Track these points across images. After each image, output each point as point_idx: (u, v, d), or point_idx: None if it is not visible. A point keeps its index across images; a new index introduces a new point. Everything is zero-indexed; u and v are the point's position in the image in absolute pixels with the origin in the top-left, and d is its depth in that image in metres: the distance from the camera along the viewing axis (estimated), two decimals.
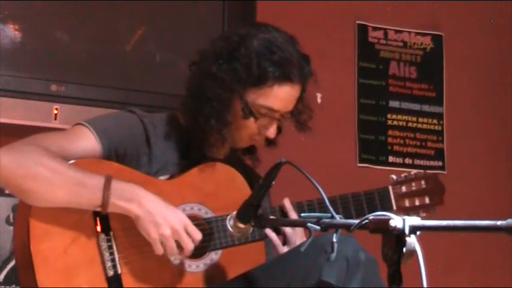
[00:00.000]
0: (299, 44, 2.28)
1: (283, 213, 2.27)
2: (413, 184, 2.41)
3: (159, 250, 2.05)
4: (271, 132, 2.26)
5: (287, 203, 2.28)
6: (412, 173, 2.43)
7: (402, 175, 2.42)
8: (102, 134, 2.17)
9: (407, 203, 2.39)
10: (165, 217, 2.04)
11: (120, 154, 2.18)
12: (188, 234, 2.07)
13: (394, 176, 2.41)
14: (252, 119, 2.23)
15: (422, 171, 2.47)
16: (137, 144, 2.22)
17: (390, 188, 2.39)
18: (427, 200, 2.42)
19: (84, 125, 2.19)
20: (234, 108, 2.22)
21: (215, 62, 2.22)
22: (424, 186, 2.42)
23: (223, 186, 2.25)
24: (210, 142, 2.27)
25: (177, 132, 2.30)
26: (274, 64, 2.18)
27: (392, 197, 2.38)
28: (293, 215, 2.26)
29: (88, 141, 2.16)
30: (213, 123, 2.21)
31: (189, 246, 2.07)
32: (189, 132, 2.29)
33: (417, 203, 2.41)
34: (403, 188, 2.40)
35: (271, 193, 2.43)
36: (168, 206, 2.07)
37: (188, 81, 2.31)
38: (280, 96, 2.21)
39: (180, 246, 2.07)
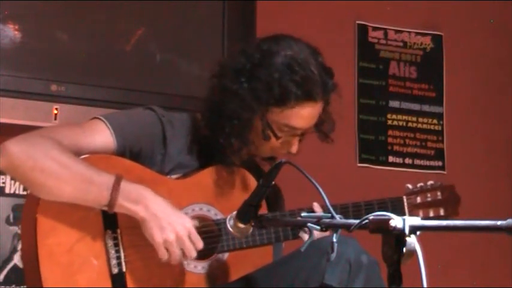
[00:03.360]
0: (321, 55, 2.24)
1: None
2: (428, 195, 2.37)
3: (162, 254, 2.04)
4: (294, 148, 2.24)
5: (317, 207, 2.25)
6: (428, 183, 2.39)
7: (418, 185, 2.38)
8: (118, 130, 2.15)
9: (421, 214, 2.35)
10: (170, 222, 2.03)
11: (134, 151, 2.17)
12: (191, 241, 2.06)
13: (409, 186, 2.38)
14: (273, 138, 2.21)
15: (438, 182, 2.42)
16: (153, 143, 2.20)
17: (404, 198, 2.35)
18: (441, 212, 2.38)
19: (100, 120, 2.17)
20: (255, 127, 2.19)
21: (236, 80, 2.18)
22: (439, 197, 2.39)
23: (235, 188, 2.23)
24: (227, 150, 2.23)
25: (195, 133, 2.28)
26: (296, 84, 2.14)
27: (406, 207, 2.35)
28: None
29: (103, 137, 2.14)
30: (233, 142, 2.19)
31: (192, 253, 2.06)
32: (207, 136, 2.26)
33: (431, 214, 2.37)
34: (418, 199, 2.36)
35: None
36: (174, 210, 2.06)
37: (208, 93, 2.27)
38: (303, 115, 2.18)
39: (182, 251, 2.06)
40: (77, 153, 2.07)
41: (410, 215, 2.34)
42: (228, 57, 2.30)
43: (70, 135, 2.11)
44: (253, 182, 2.26)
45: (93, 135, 2.14)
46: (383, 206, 2.32)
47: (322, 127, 2.30)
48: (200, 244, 2.07)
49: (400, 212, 2.33)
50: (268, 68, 2.15)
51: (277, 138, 2.21)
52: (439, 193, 2.39)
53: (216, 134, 2.21)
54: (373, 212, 2.24)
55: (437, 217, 2.38)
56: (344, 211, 2.26)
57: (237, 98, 2.17)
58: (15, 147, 2.02)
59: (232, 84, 2.18)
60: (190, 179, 2.21)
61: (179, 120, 2.28)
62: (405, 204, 2.35)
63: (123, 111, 2.32)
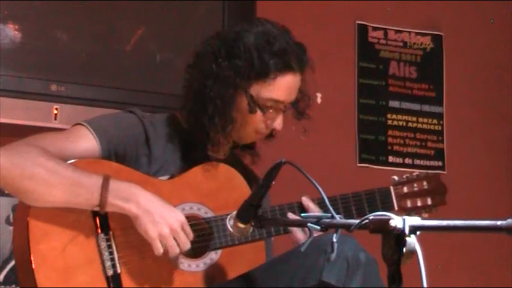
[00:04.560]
0: (292, 34, 2.28)
1: (303, 209, 2.26)
2: (415, 185, 2.40)
3: (158, 249, 2.05)
4: (279, 123, 2.27)
5: (306, 201, 2.27)
6: (414, 173, 2.43)
7: (404, 176, 2.41)
8: (101, 134, 2.16)
9: (409, 204, 2.39)
10: (163, 216, 2.04)
11: (119, 154, 2.18)
12: (185, 233, 2.07)
13: (395, 177, 2.41)
14: (258, 113, 2.23)
15: (424, 171, 2.46)
16: (137, 144, 2.21)
17: (392, 188, 2.38)
18: (429, 201, 2.41)
19: (83, 125, 2.19)
20: (239, 104, 2.22)
21: (214, 61, 2.22)
22: (426, 187, 2.42)
23: (223, 185, 2.25)
24: (212, 142, 2.25)
25: (177, 132, 2.30)
26: (274, 55, 2.19)
27: (393, 197, 2.37)
28: (314, 209, 2.25)
29: (87, 142, 2.16)
30: (217, 121, 2.20)
31: (186, 245, 2.07)
32: (190, 133, 2.29)
33: (419, 203, 2.40)
34: (405, 189, 2.39)
35: (271, 193, 2.44)
36: (166, 205, 2.08)
37: (187, 83, 2.30)
38: (284, 86, 2.22)
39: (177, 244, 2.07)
40: (63, 159, 2.09)
41: (399, 205, 2.37)
42: (200, 45, 2.31)
43: (55, 142, 2.13)
44: (239, 179, 2.28)
45: (77, 141, 2.16)
46: (371, 197, 2.35)
47: (298, 105, 2.32)
48: (191, 235, 2.08)
49: (389, 203, 2.36)
50: (245, 45, 2.20)
51: (263, 112, 2.23)
52: (425, 183, 2.42)
53: (198, 119, 2.23)
54: (361, 203, 2.31)
55: (425, 207, 2.40)
56: (333, 203, 2.26)
57: (217, 78, 2.20)
58: (1, 157, 2.03)
59: (211, 67, 2.21)
60: (178, 178, 2.23)
61: (160, 121, 2.30)
62: (393, 194, 2.37)
63: (104, 115, 2.34)
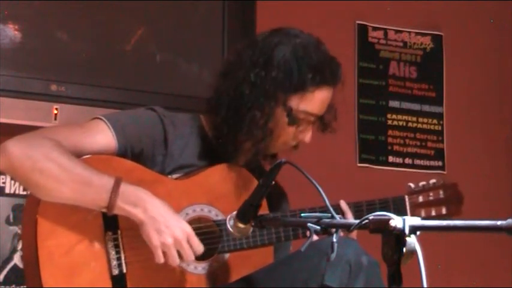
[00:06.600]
0: (326, 46, 2.27)
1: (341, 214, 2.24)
2: (431, 194, 2.36)
3: (159, 258, 2.02)
4: (309, 136, 2.25)
5: (343, 204, 2.25)
6: (431, 181, 2.38)
7: (420, 184, 2.38)
8: (119, 131, 2.14)
9: (423, 213, 2.34)
10: (168, 225, 2.01)
11: (135, 152, 2.16)
12: (190, 245, 2.04)
13: (411, 184, 2.37)
14: (292, 126, 2.21)
15: (441, 180, 2.42)
16: (154, 143, 2.19)
17: (406, 197, 2.35)
18: (444, 211, 2.37)
19: (101, 120, 2.16)
20: (277, 117, 2.19)
21: (252, 71, 2.18)
22: (442, 196, 2.38)
23: (237, 188, 2.22)
24: (237, 149, 2.23)
25: (198, 134, 2.27)
26: (313, 69, 2.17)
27: (408, 206, 2.34)
28: (350, 217, 2.23)
29: (104, 137, 2.13)
30: (256, 133, 2.18)
31: (189, 257, 2.05)
32: (211, 136, 2.26)
33: (433, 213, 2.36)
34: (420, 198, 2.35)
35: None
36: (173, 214, 2.05)
37: (218, 90, 2.24)
38: (320, 100, 2.21)
39: (180, 255, 2.05)
40: (78, 153, 2.07)
41: (412, 214, 2.33)
42: (233, 55, 2.28)
43: (71, 135, 2.11)
44: (255, 183, 2.22)
45: (94, 135, 2.13)
46: (385, 205, 2.31)
47: (324, 117, 2.30)
48: (200, 248, 2.06)
49: (402, 212, 2.32)
50: (284, 57, 2.17)
51: (298, 125, 2.21)
52: (441, 192, 2.38)
53: (231, 128, 2.19)
54: (374, 212, 2.27)
55: (439, 216, 2.37)
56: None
57: (257, 89, 2.16)
58: (15, 147, 2.01)
59: (248, 76, 2.17)
60: (191, 179, 2.20)
61: (181, 121, 2.26)
62: (407, 203, 2.34)
63: (124, 111, 2.31)
